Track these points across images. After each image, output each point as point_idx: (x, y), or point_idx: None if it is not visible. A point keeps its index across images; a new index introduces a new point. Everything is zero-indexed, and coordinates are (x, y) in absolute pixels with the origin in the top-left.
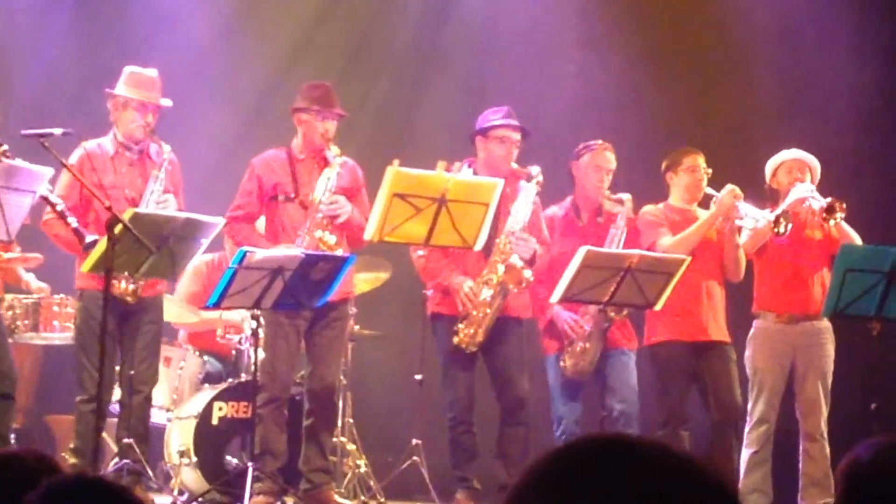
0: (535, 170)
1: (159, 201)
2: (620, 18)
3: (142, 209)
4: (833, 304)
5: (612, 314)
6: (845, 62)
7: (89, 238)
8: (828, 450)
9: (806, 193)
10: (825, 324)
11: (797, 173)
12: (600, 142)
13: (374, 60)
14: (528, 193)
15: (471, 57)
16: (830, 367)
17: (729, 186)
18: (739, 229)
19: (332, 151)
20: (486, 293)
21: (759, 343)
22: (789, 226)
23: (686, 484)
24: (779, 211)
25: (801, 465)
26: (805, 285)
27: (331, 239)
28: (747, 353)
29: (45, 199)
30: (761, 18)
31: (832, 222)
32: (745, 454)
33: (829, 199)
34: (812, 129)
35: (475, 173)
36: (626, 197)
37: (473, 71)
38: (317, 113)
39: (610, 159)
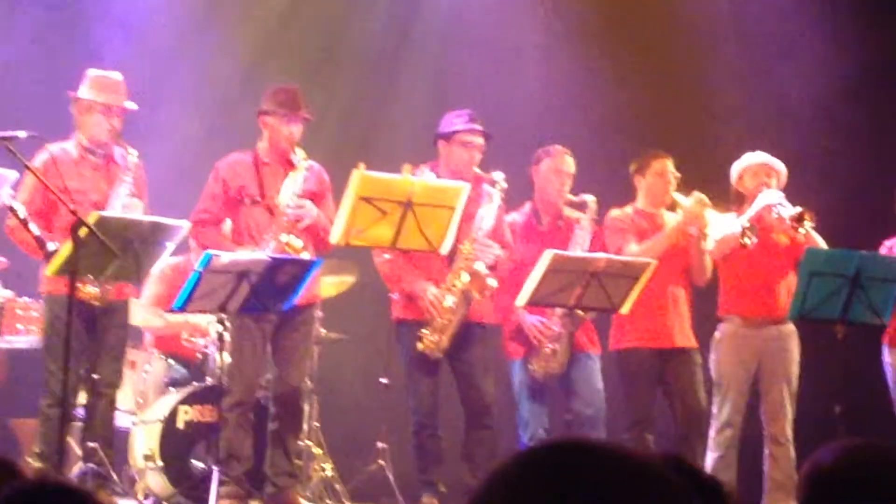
0: (498, 175)
1: (126, 205)
2: (583, 22)
3: (107, 212)
4: (798, 308)
5: (581, 313)
6: (809, 64)
7: (51, 246)
8: (793, 453)
9: (774, 200)
10: (790, 328)
11: (763, 177)
12: (559, 147)
13: (340, 64)
14: (492, 199)
15: (435, 61)
16: (796, 370)
17: (696, 195)
18: (706, 235)
19: (298, 155)
20: (450, 300)
21: (725, 347)
22: (755, 238)
23: (646, 489)
24: (745, 223)
25: (766, 469)
26: (770, 289)
27: (297, 243)
28: (712, 357)
29: (6, 205)
30: (725, 20)
31: (802, 231)
32: (711, 458)
33: (798, 209)
34: (776, 132)
35: (438, 177)
36: (590, 198)
37: (438, 74)
38: (283, 116)
39: (570, 164)
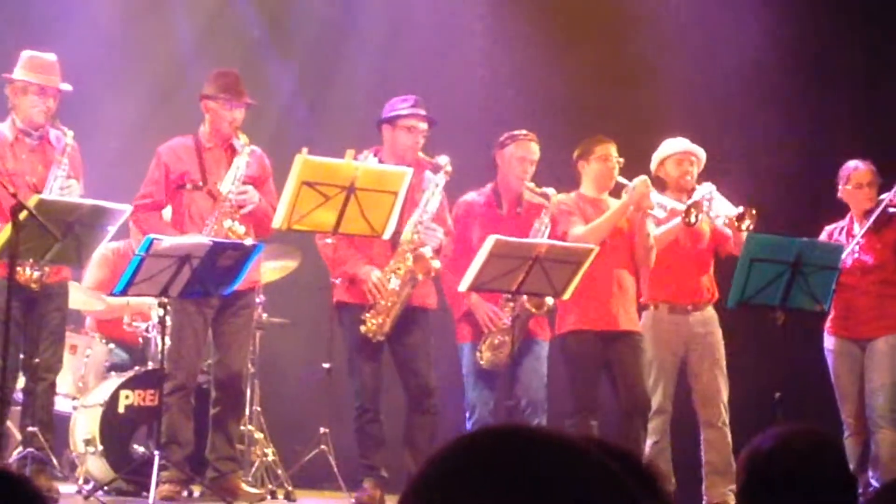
0: (443, 160)
1: (63, 187)
2: (528, 6)
3: (47, 196)
4: (739, 294)
5: (534, 309)
6: (749, 53)
7: None
8: (729, 437)
9: (707, 195)
10: (712, 312)
11: (686, 165)
12: (525, 132)
13: (282, 48)
14: (436, 184)
15: (379, 45)
16: (723, 353)
17: (642, 177)
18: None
19: (241, 140)
20: (395, 283)
21: (652, 334)
22: (700, 216)
23: (581, 475)
24: (689, 202)
25: (702, 454)
26: (694, 277)
27: (240, 229)
28: None
29: None
30: (671, 7)
31: (743, 227)
32: (646, 444)
33: (740, 209)
34: (715, 121)
35: (381, 162)
36: (552, 192)
37: (381, 59)
38: (225, 101)
39: (534, 150)
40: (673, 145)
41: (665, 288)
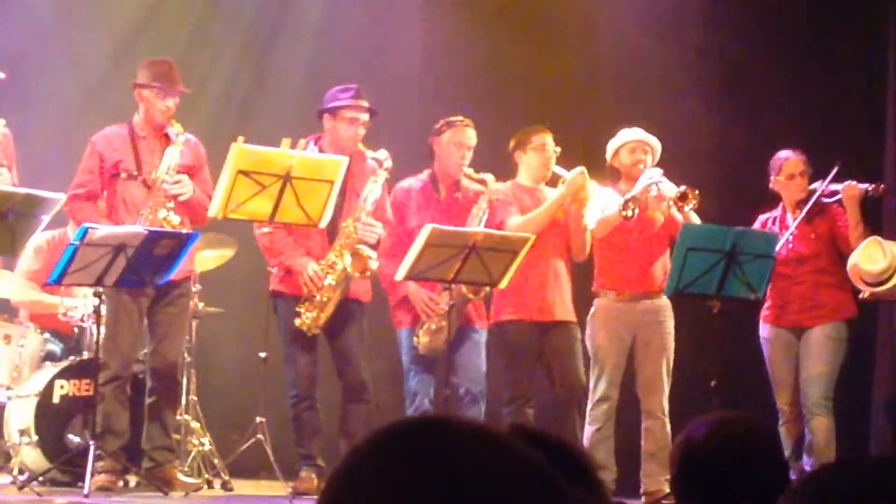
0: (382, 154)
1: None
2: None
3: None
4: (675, 283)
5: (471, 295)
6: (694, 37)
7: None
8: (668, 427)
9: (655, 178)
10: (664, 301)
11: (640, 154)
12: (462, 118)
13: (218, 35)
14: (377, 179)
15: (316, 31)
16: (671, 344)
17: (579, 168)
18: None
19: (175, 129)
20: (330, 278)
21: (600, 321)
22: (636, 210)
23: (501, 467)
24: (628, 196)
25: (642, 443)
26: (646, 265)
27: (175, 219)
28: (588, 331)
29: None
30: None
31: (686, 208)
32: (588, 431)
33: (682, 188)
34: (659, 109)
35: (321, 151)
36: (490, 178)
37: (318, 47)
38: (158, 90)
39: (471, 136)
40: (627, 134)
41: (613, 275)
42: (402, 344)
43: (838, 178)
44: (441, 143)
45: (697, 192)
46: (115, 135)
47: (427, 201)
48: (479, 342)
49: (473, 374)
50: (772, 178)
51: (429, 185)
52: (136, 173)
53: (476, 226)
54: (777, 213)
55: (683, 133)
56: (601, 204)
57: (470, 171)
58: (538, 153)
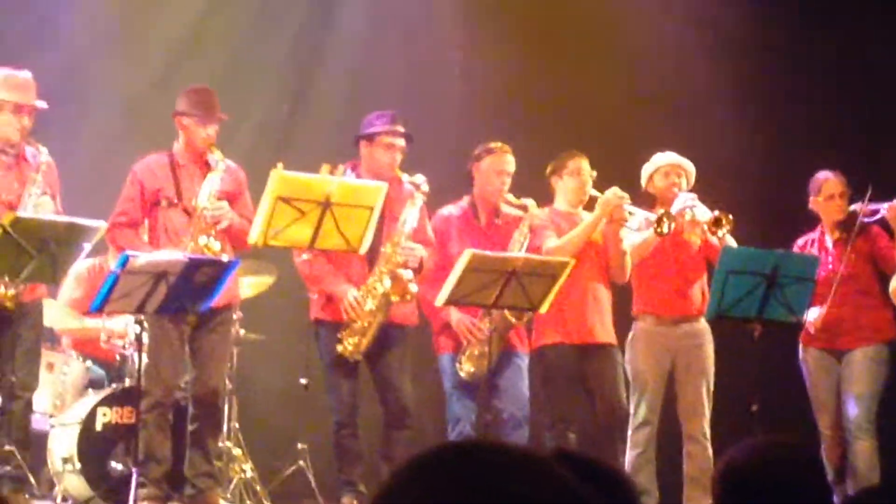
0: (419, 178)
1: (36, 204)
2: (504, 20)
3: (22, 213)
4: (715, 307)
5: (514, 320)
6: (732, 60)
7: None
8: (710, 451)
9: (689, 202)
10: (703, 325)
11: (674, 177)
12: (500, 145)
13: (258, 62)
14: (414, 203)
15: (355, 59)
16: (711, 367)
17: (613, 188)
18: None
19: (215, 156)
20: (371, 303)
21: (640, 345)
22: (672, 225)
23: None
24: (661, 212)
25: (684, 467)
26: (684, 288)
27: (215, 245)
28: (627, 355)
29: None
30: (645, 18)
31: (720, 233)
32: (630, 455)
33: (715, 213)
34: (692, 132)
35: (359, 177)
36: (530, 202)
37: (357, 73)
38: (199, 117)
39: (510, 162)
40: (661, 158)
41: (652, 299)
42: (444, 369)
43: (875, 199)
44: (480, 169)
45: (731, 216)
46: (156, 163)
47: (468, 228)
48: (521, 367)
49: (517, 398)
50: (811, 199)
51: (469, 211)
52: (176, 201)
53: (518, 251)
54: (816, 234)
55: (720, 155)
56: (638, 225)
57: (510, 196)
58: (574, 177)
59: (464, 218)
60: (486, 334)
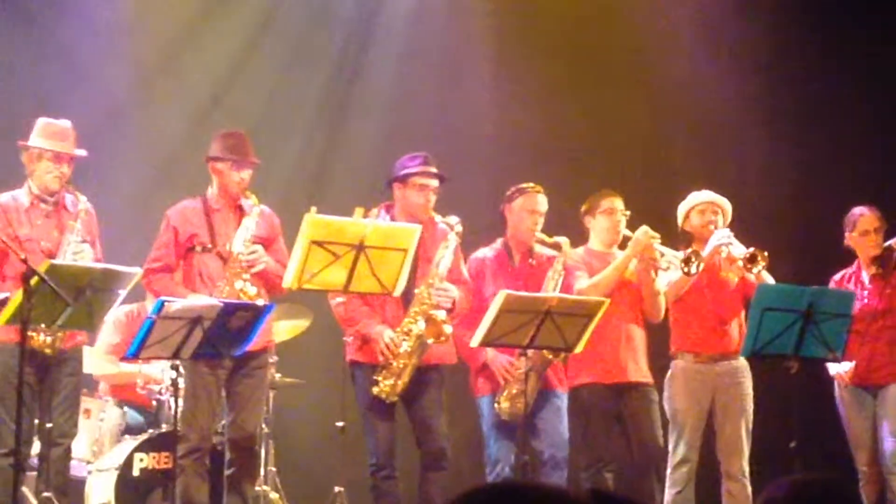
0: (453, 220)
1: (76, 252)
2: (536, 58)
3: (58, 260)
4: (751, 344)
5: (551, 356)
6: (755, 104)
7: (0, 295)
8: (749, 489)
9: (724, 239)
10: (742, 362)
11: (710, 215)
12: (532, 185)
13: (290, 107)
14: (448, 244)
15: (386, 101)
16: (750, 405)
17: (643, 228)
18: (657, 270)
19: (250, 200)
20: (406, 346)
21: (678, 383)
22: (700, 265)
23: None
24: (689, 251)
25: None
26: (722, 326)
27: (251, 290)
28: (666, 393)
29: None
30: (678, 56)
31: (756, 270)
32: (669, 494)
33: (751, 250)
34: (727, 171)
35: (393, 219)
36: (564, 240)
37: (389, 115)
38: (232, 162)
39: (542, 202)
40: (697, 196)
41: (690, 337)
42: (482, 411)
43: None
44: (513, 210)
45: (766, 253)
46: (190, 208)
47: (502, 269)
48: (560, 407)
49: (556, 438)
50: (846, 234)
51: (503, 253)
52: (210, 246)
53: (552, 289)
54: (852, 270)
55: (756, 191)
56: (667, 265)
57: (543, 235)
58: (607, 217)
59: (498, 260)
60: (523, 373)
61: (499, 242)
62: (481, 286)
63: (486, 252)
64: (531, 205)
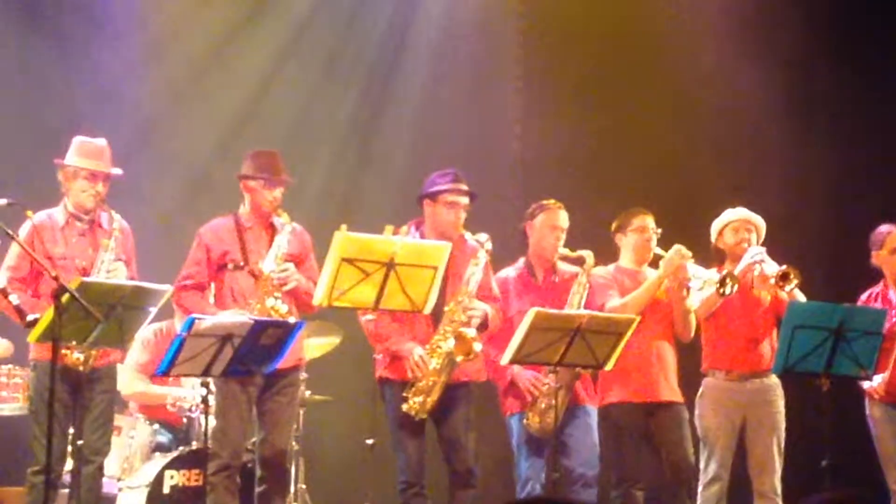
0: (482, 237)
1: (109, 269)
2: (564, 75)
3: (88, 278)
4: (783, 361)
5: (579, 369)
6: (786, 123)
7: (30, 317)
8: None
9: (757, 257)
10: (774, 380)
11: (744, 233)
12: (553, 201)
13: (320, 125)
14: (478, 261)
15: (416, 119)
16: (782, 423)
17: (676, 246)
18: (688, 289)
19: (282, 218)
20: (435, 362)
21: (709, 401)
22: (735, 287)
23: None
24: (725, 272)
25: None
26: (754, 344)
27: (282, 308)
28: (697, 411)
29: None
30: (707, 76)
31: (788, 288)
32: None
33: (783, 267)
34: (758, 190)
35: (423, 236)
36: (588, 253)
37: (419, 133)
38: (265, 181)
39: (564, 218)
40: (731, 214)
41: (722, 355)
42: (511, 430)
43: None
44: (534, 226)
45: (799, 271)
46: (222, 226)
47: (525, 287)
48: (590, 423)
49: (586, 455)
50: (873, 252)
51: (525, 271)
52: (242, 264)
53: (577, 304)
54: (879, 288)
55: (786, 212)
56: (700, 285)
57: (566, 250)
58: (638, 235)
59: (521, 278)
60: (551, 387)
61: (521, 262)
62: (506, 306)
63: (508, 272)
64: (553, 220)
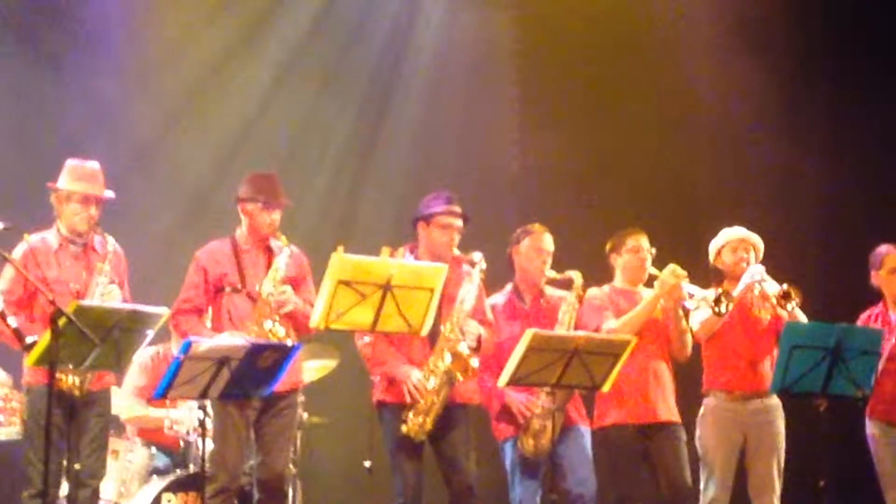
0: (477, 256)
1: (104, 293)
2: (562, 96)
3: (85, 301)
4: (780, 381)
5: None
6: (784, 141)
7: (29, 339)
8: None
9: (757, 276)
10: (775, 401)
11: (742, 252)
12: (538, 225)
13: (317, 148)
14: (472, 280)
15: (412, 141)
16: (782, 443)
17: (670, 266)
18: (686, 310)
19: (280, 241)
20: (433, 381)
21: (710, 422)
22: (730, 306)
23: None
24: (720, 291)
25: None
26: (754, 364)
27: (280, 331)
28: (698, 432)
29: None
30: (704, 94)
31: (789, 307)
32: None
33: (784, 286)
34: (756, 208)
35: (417, 259)
36: (576, 274)
37: (415, 155)
38: (263, 204)
39: (549, 242)
40: (729, 233)
41: (722, 375)
42: (505, 455)
43: None
44: (520, 251)
45: (799, 290)
46: (219, 249)
47: (514, 313)
48: (584, 443)
49: (582, 476)
50: (872, 272)
51: (513, 296)
52: (240, 287)
53: (567, 323)
54: (878, 308)
55: (784, 231)
56: (696, 305)
57: (552, 273)
58: (632, 255)
59: (509, 304)
60: (548, 409)
61: (508, 287)
62: (496, 332)
63: (497, 298)
64: (538, 244)
